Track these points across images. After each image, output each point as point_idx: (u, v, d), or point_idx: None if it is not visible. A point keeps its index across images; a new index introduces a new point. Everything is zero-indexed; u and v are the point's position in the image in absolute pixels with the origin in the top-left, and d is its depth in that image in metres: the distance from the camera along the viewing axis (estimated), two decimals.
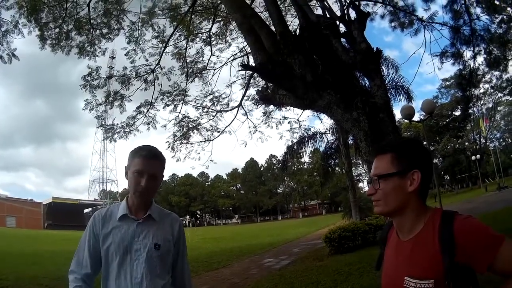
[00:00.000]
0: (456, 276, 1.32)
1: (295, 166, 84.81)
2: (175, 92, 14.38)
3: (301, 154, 21.89)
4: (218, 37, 14.55)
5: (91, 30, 12.15)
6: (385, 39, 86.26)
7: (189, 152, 15.05)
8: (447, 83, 54.86)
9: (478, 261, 1.32)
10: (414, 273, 1.40)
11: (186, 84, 14.55)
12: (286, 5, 12.83)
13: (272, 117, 16.45)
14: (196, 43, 14.50)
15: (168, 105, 14.34)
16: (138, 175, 2.05)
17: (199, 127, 15.09)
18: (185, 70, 14.29)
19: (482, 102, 56.11)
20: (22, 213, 67.48)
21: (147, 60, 13.50)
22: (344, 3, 8.09)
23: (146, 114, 13.74)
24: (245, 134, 48.30)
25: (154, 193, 2.19)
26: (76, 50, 12.27)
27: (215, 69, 14.97)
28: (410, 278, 1.40)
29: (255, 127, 16.18)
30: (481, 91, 44.98)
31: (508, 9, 11.24)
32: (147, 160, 2.07)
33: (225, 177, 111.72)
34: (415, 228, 1.47)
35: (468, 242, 1.32)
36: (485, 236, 1.33)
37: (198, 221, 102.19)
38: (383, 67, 10.24)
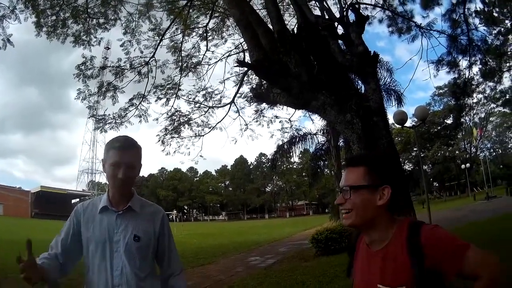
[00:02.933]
0: (426, 283, 1.37)
1: (285, 166, 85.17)
2: (168, 86, 14.33)
3: (291, 154, 21.90)
4: (214, 33, 14.53)
5: (88, 19, 12.06)
6: (378, 44, 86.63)
7: (179, 147, 15.07)
8: (441, 91, 55.46)
9: (446, 269, 1.37)
10: (385, 282, 1.45)
11: (180, 78, 14.53)
12: (284, 4, 12.83)
13: (263, 116, 16.53)
14: (192, 37, 14.49)
15: (160, 99, 14.31)
16: (115, 168, 2.03)
17: (190, 122, 15.06)
18: (180, 64, 14.25)
19: (474, 111, 56.63)
20: (10, 200, 66.74)
21: (142, 52, 13.47)
22: (343, 5, 8.08)
23: (138, 107, 13.67)
24: (235, 131, 48.37)
25: (133, 183, 2.17)
26: (72, 38, 12.19)
27: (209, 65, 15.01)
28: (383, 286, 1.45)
29: (246, 124, 16.23)
30: (474, 100, 45.20)
31: (506, 21, 11.34)
32: (122, 151, 2.04)
33: (214, 173, 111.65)
34: (384, 240, 1.52)
35: (436, 251, 1.37)
36: (451, 245, 1.38)
37: (185, 216, 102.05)
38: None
